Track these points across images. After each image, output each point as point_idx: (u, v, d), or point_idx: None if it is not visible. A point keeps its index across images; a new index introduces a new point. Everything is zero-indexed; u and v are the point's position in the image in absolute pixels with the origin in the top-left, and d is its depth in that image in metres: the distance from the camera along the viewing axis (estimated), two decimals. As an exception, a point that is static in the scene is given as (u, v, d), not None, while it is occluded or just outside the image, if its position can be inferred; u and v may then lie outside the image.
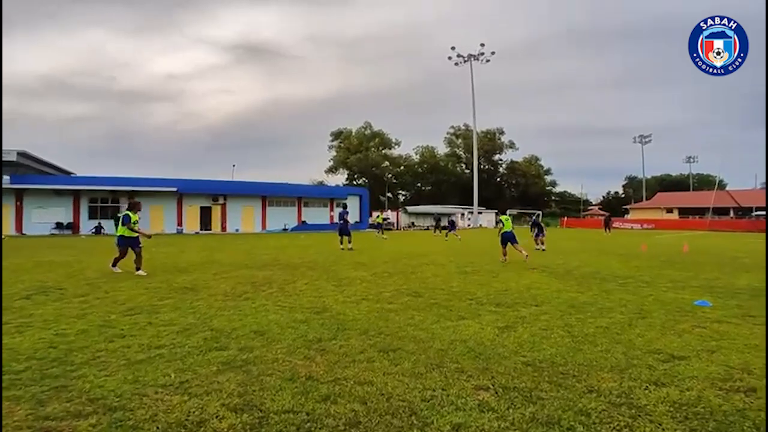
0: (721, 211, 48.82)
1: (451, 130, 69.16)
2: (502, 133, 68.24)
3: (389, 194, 63.31)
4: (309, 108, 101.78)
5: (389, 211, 45.86)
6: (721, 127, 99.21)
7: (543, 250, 14.10)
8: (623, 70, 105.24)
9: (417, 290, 6.42)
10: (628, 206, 62.88)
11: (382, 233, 22.71)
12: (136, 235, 8.49)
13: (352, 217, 38.09)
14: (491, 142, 66.88)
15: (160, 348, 3.60)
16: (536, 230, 15.50)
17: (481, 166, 62.14)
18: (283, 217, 34.57)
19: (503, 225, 10.87)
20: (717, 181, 53.31)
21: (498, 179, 70.89)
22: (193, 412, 2.41)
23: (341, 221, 14.34)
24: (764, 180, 51.20)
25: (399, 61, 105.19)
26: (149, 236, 9.07)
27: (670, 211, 55.24)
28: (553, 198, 75.51)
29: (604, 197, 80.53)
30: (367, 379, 2.88)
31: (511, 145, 69.21)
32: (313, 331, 4.14)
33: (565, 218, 57.01)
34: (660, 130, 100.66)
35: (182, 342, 3.77)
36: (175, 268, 9.39)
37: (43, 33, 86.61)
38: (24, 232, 26.55)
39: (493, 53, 44.73)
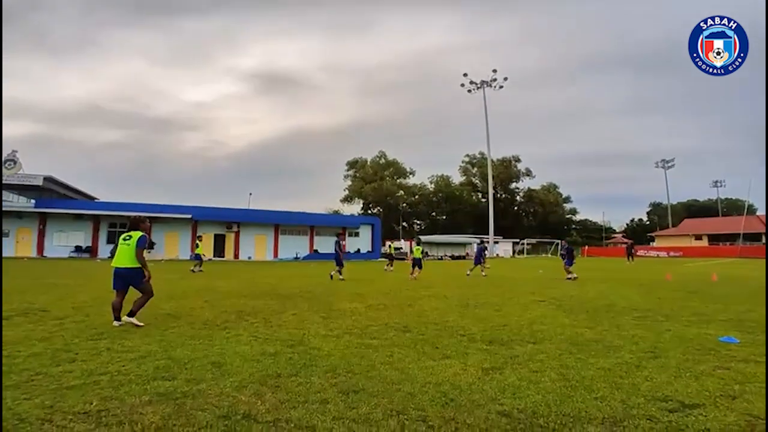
0: (752, 237, 46.10)
1: (466, 159, 69.26)
2: (518, 160, 67.82)
3: (404, 223, 63.01)
4: (326, 138, 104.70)
5: (402, 240, 45.33)
6: (747, 151, 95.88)
7: (575, 278, 13.92)
8: (643, 96, 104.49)
9: (407, 324, 5.95)
10: (653, 233, 60.38)
11: (391, 265, 20.41)
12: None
13: (364, 246, 37.93)
14: (507, 170, 66.35)
15: (103, 374, 3.38)
16: (566, 259, 14.77)
17: (498, 195, 61.46)
18: (295, 245, 34.57)
19: (413, 252, 15.40)
20: (746, 206, 50.76)
21: (515, 208, 69.75)
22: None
23: (336, 252, 14.08)
24: None
25: (414, 89, 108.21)
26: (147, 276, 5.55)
27: (699, 237, 52.64)
28: (573, 226, 73.47)
29: (627, 225, 77.88)
30: (311, 424, 2.50)
31: (528, 173, 68.54)
32: (277, 365, 3.76)
33: (587, 247, 55.00)
34: (684, 156, 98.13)
35: (130, 369, 3.53)
36: (170, 294, 9.18)
37: (87, 61, 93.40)
38: (45, 254, 27.35)
39: (505, 79, 44.96)
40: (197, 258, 17.37)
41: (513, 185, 69.27)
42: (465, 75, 45.75)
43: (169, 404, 2.74)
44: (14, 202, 29.64)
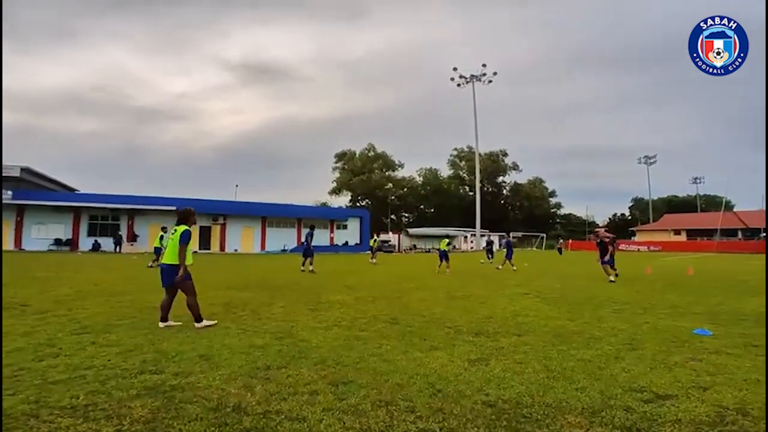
0: (729, 233, 47.82)
1: (455, 152, 69.69)
2: (505, 155, 68.58)
3: (392, 216, 63.09)
4: (314, 129, 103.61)
5: (391, 233, 45.44)
6: (726, 148, 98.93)
7: (615, 276, 11.41)
8: (625, 91, 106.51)
9: (396, 316, 6.02)
10: (634, 228, 61.95)
11: (373, 258, 20.27)
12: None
13: (352, 239, 37.92)
14: (495, 164, 67.01)
15: (89, 369, 3.34)
16: (600, 252, 11.91)
17: (485, 188, 62.07)
18: (282, 238, 34.36)
19: (440, 245, 14.87)
20: (724, 203, 52.49)
21: (502, 201, 70.63)
22: (76, 438, 2.17)
23: (305, 243, 14.10)
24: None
25: (403, 82, 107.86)
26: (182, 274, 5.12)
27: (677, 232, 54.30)
28: (558, 220, 74.81)
29: (610, 219, 79.55)
30: (301, 415, 2.53)
31: (515, 167, 69.41)
32: (266, 357, 3.78)
33: (570, 240, 56.07)
34: (665, 152, 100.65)
35: (116, 363, 3.50)
36: (154, 286, 9.06)
37: (64, 49, 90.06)
38: (23, 247, 26.54)
39: (495, 74, 45.34)
40: (157, 251, 14.47)
41: (500, 179, 70.11)
42: (455, 69, 45.86)
43: (157, 398, 2.73)
44: (-10, 194, 28.60)
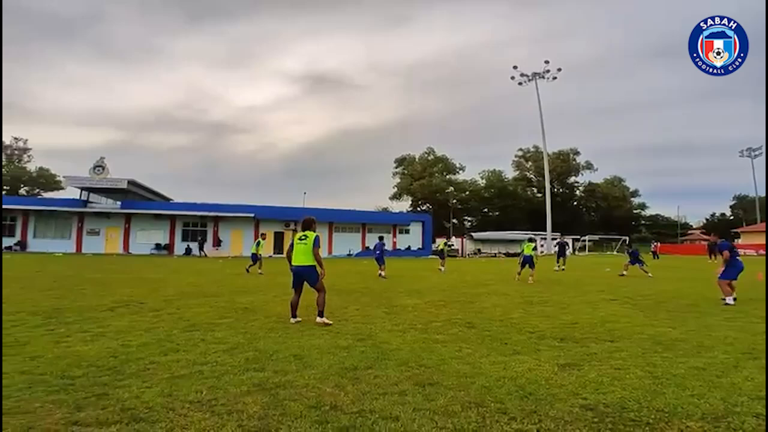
0: None
1: (520, 153, 66.63)
2: (576, 153, 64.00)
3: (454, 220, 61.99)
4: (373, 135, 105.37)
5: (453, 237, 44.66)
6: None
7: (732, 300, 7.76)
8: (717, 80, 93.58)
9: (471, 321, 5.95)
10: (738, 229, 53.97)
11: (442, 265, 17.87)
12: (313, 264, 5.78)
13: (415, 243, 37.96)
14: (564, 164, 62.82)
15: (204, 365, 3.71)
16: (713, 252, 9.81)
17: (554, 190, 58.37)
18: (348, 242, 35.51)
19: (523, 250, 12.50)
20: None
21: (574, 203, 65.86)
22: (208, 430, 2.41)
23: (378, 251, 14.48)
24: None
25: (460, 84, 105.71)
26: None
27: (795, 234, 46.05)
28: (642, 222, 67.78)
29: (707, 220, 70.32)
30: (394, 414, 2.62)
31: (589, 166, 64.43)
32: (352, 358, 3.97)
33: (659, 243, 50.44)
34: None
35: (225, 360, 3.86)
36: (242, 289, 9.94)
37: (151, 67, 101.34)
38: (130, 251, 30.73)
39: (559, 70, 42.66)
40: (255, 258, 14.99)
41: (572, 179, 65.50)
42: (515, 68, 44.10)
43: (264, 394, 2.97)
44: (103, 203, 33.55)
